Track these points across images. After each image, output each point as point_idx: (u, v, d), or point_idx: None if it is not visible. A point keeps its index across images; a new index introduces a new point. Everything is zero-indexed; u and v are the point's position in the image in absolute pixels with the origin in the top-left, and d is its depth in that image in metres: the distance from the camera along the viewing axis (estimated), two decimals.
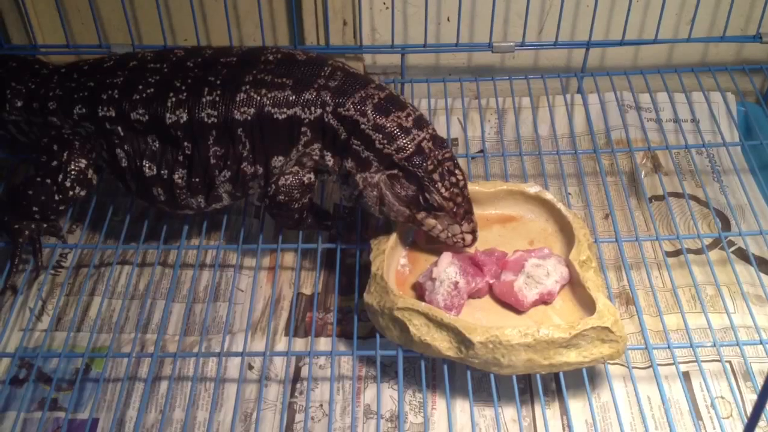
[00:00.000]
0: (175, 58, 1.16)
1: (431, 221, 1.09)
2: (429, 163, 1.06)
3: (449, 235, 1.09)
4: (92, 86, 1.16)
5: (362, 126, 1.08)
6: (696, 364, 1.11)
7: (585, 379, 1.06)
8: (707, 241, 1.32)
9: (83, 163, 1.19)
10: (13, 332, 1.22)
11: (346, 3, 1.50)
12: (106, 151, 1.17)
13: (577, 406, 1.12)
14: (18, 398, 1.13)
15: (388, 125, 1.08)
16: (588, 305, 1.05)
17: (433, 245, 1.15)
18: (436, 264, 1.09)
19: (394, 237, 1.13)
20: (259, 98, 1.10)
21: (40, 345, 1.18)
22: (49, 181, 1.18)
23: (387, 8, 1.54)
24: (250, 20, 1.54)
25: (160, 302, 1.27)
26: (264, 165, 1.14)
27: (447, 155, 1.08)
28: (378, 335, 1.11)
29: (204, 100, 1.11)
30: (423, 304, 1.04)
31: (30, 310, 1.24)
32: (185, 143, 1.13)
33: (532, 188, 1.19)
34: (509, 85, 1.54)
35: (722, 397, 1.14)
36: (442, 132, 1.51)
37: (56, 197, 1.19)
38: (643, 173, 1.47)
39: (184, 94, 1.12)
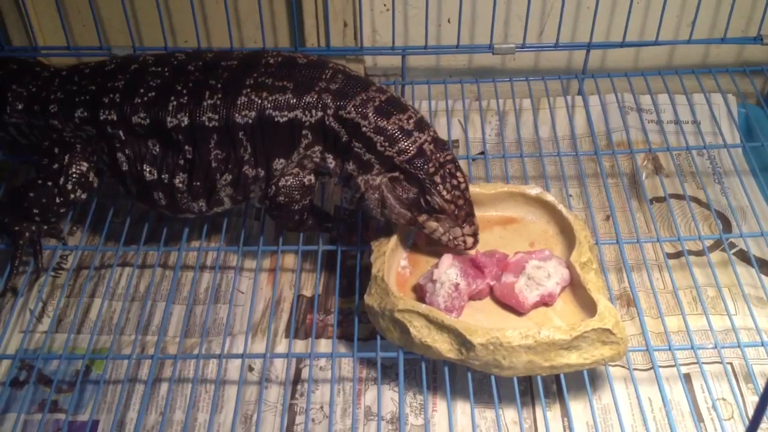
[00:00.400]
0: (176, 62, 1.16)
1: (433, 224, 1.09)
2: (430, 165, 1.06)
3: (450, 237, 1.09)
4: (93, 90, 1.16)
5: (363, 128, 1.08)
6: (697, 365, 1.11)
7: (586, 380, 1.06)
8: (708, 243, 1.32)
9: (84, 166, 1.19)
10: (13, 334, 1.22)
11: (346, 4, 1.50)
12: (107, 154, 1.17)
13: (578, 407, 1.12)
14: (18, 400, 1.13)
15: (390, 128, 1.08)
16: (589, 307, 1.05)
17: (433, 247, 1.15)
18: (436, 266, 1.09)
19: (394, 239, 1.13)
20: (260, 101, 1.10)
21: (40, 347, 1.18)
22: (50, 183, 1.18)
23: (388, 10, 1.54)
24: (251, 22, 1.54)
25: (161, 304, 1.27)
26: (265, 168, 1.14)
27: (448, 157, 1.08)
28: (378, 337, 1.11)
29: (205, 103, 1.11)
30: (424, 305, 1.04)
31: (30, 312, 1.24)
32: (186, 147, 1.13)
33: (533, 190, 1.19)
34: (510, 87, 1.54)
35: (723, 399, 1.13)
36: (443, 134, 1.51)
37: (57, 200, 1.19)
38: (644, 175, 1.47)
39: (185, 97, 1.12)
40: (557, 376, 1.10)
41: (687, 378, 1.16)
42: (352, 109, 1.09)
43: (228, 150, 1.13)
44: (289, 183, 1.15)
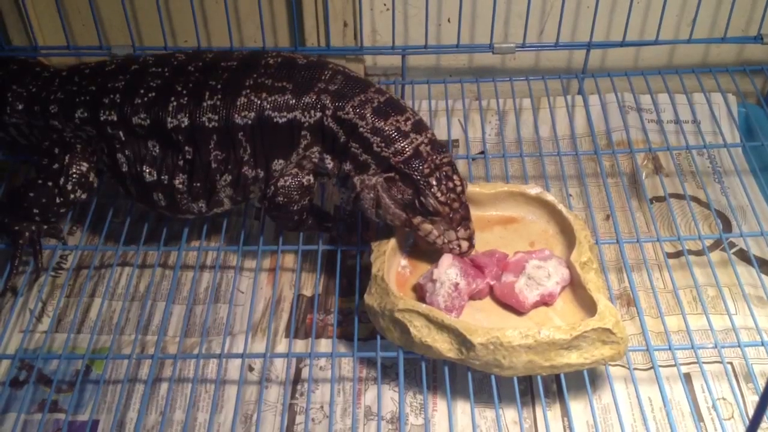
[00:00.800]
0: (176, 62, 1.16)
1: (427, 226, 1.08)
2: (426, 166, 1.06)
3: (445, 241, 1.08)
4: (94, 90, 1.16)
5: (361, 129, 1.08)
6: (697, 365, 1.11)
7: (586, 380, 1.06)
8: (708, 243, 1.32)
9: (85, 166, 1.19)
10: (13, 334, 1.22)
11: (346, 4, 1.50)
12: (107, 155, 1.17)
13: (578, 407, 1.12)
14: (18, 400, 1.13)
15: (387, 129, 1.07)
16: (589, 307, 1.05)
17: (433, 247, 1.14)
18: (436, 265, 1.08)
19: (394, 239, 1.13)
20: (259, 102, 1.10)
21: (40, 346, 1.18)
22: (50, 183, 1.18)
23: (388, 9, 1.54)
24: (251, 21, 1.54)
25: (161, 304, 1.27)
26: (265, 168, 1.14)
27: (445, 160, 1.08)
28: (379, 337, 1.11)
29: (205, 104, 1.11)
30: (424, 305, 1.04)
31: (30, 312, 1.24)
32: (186, 148, 1.13)
33: (533, 189, 1.19)
34: (510, 86, 1.54)
35: (724, 399, 1.13)
36: (443, 133, 1.52)
37: (57, 200, 1.19)
38: (644, 174, 1.47)
39: (185, 98, 1.12)
40: (557, 376, 1.10)
41: (687, 378, 1.16)
42: (351, 109, 1.09)
43: (228, 151, 1.13)
44: (287, 183, 1.15)
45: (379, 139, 1.07)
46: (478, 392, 1.14)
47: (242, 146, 1.12)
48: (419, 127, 1.09)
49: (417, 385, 1.15)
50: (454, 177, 1.07)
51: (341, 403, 1.14)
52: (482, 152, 1.51)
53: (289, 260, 1.34)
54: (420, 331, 1.03)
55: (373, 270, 1.10)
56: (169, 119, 1.12)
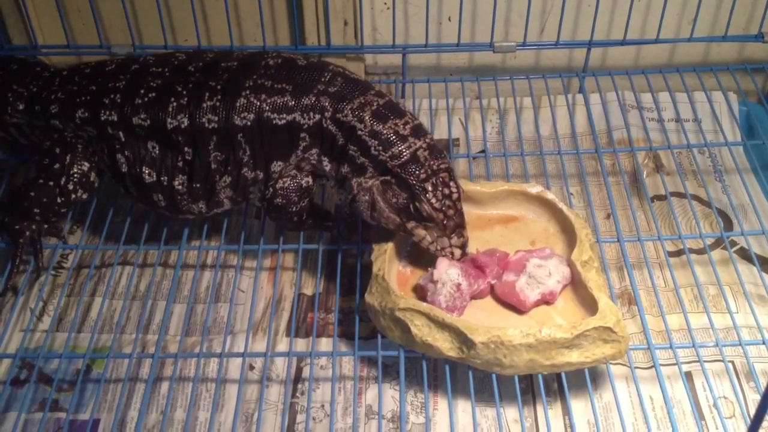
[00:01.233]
0: (176, 62, 1.16)
1: (421, 231, 1.08)
2: (422, 171, 1.05)
3: (438, 247, 1.08)
4: (94, 90, 1.16)
5: (359, 132, 1.08)
6: (698, 364, 1.11)
7: (587, 379, 1.06)
8: (709, 241, 1.31)
9: (86, 166, 1.19)
10: (14, 333, 1.22)
11: (347, 3, 1.50)
12: (107, 155, 1.17)
13: (579, 406, 1.12)
14: (19, 399, 1.13)
15: (385, 132, 1.07)
16: (590, 305, 1.05)
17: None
18: (435, 267, 1.08)
19: (395, 238, 1.13)
20: (258, 103, 1.10)
21: (40, 346, 1.17)
22: (51, 183, 1.18)
23: (388, 8, 1.54)
24: (251, 20, 1.54)
25: (161, 303, 1.27)
26: (264, 170, 1.14)
27: (443, 166, 1.07)
28: (379, 336, 1.11)
29: (205, 105, 1.11)
30: (424, 304, 1.04)
31: (31, 311, 1.24)
32: (186, 148, 1.13)
33: (534, 188, 1.19)
34: (511, 85, 1.54)
35: (725, 397, 1.13)
36: (443, 132, 1.52)
37: (58, 200, 1.19)
38: (645, 173, 1.47)
39: (185, 98, 1.12)
40: (558, 375, 1.10)
41: (688, 376, 1.15)
42: (349, 112, 1.09)
43: (227, 152, 1.13)
44: (286, 185, 1.15)
45: (377, 142, 1.07)
46: (479, 391, 1.14)
47: (242, 148, 1.12)
48: (418, 131, 1.08)
49: (418, 383, 1.15)
50: (451, 183, 1.06)
51: (342, 402, 1.14)
52: (483, 151, 1.50)
53: (290, 259, 1.34)
54: (421, 330, 1.03)
55: (374, 269, 1.10)
56: (169, 120, 1.12)
